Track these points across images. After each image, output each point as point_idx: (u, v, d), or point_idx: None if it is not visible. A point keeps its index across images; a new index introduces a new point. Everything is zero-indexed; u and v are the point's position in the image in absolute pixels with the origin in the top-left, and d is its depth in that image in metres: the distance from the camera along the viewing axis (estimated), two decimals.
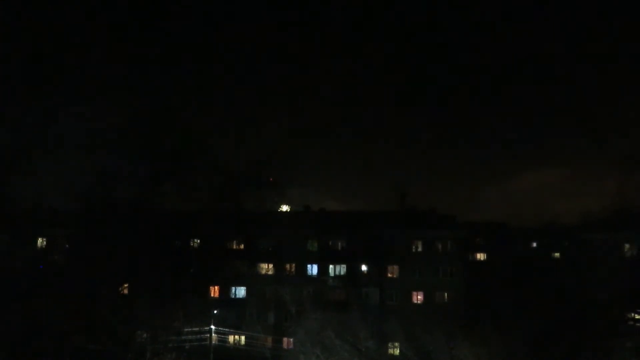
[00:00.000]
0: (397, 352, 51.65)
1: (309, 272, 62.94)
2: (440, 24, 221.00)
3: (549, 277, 51.22)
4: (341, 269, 63.02)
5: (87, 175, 37.40)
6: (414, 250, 62.96)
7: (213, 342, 50.56)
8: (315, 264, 63.02)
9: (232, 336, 57.06)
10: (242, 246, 62.01)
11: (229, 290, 62.38)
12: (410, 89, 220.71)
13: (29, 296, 33.22)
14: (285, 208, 69.89)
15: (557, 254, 68.82)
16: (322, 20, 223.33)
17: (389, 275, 62.29)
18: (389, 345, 53.93)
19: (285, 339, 57.26)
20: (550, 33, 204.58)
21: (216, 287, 60.92)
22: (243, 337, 57.28)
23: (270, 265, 62.49)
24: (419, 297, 61.60)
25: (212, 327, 49.99)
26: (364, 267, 62.98)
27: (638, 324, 47.64)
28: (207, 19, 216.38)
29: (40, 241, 53.63)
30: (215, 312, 53.31)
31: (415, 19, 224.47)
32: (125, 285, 40.79)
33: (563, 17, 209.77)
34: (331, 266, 63.10)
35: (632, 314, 48.05)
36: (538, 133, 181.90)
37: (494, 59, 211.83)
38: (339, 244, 64.11)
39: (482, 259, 75.05)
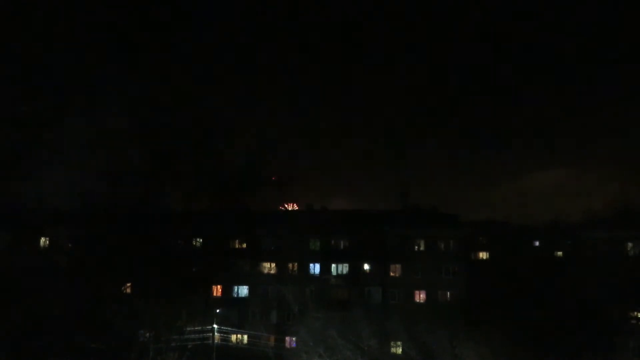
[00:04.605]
0: (399, 351, 51.63)
1: (312, 271, 62.91)
2: (444, 24, 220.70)
3: (551, 276, 51.12)
4: (343, 268, 62.95)
5: (89, 175, 37.39)
6: (416, 249, 62.84)
7: (216, 341, 50.59)
8: (317, 263, 62.98)
9: (235, 335, 57.11)
10: (244, 245, 61.98)
11: (232, 290, 62.43)
12: (414, 88, 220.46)
13: (31, 295, 33.24)
14: (289, 207, 69.93)
15: (560, 253, 68.75)
16: (324, 20, 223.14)
17: (392, 274, 62.19)
18: (392, 344, 53.92)
19: (287, 338, 57.28)
20: (553, 34, 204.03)
21: (219, 287, 61.01)
22: (245, 336, 57.32)
23: (273, 265, 62.48)
24: (421, 296, 61.51)
25: (215, 326, 50.04)
26: (366, 266, 62.91)
27: None
28: (209, 17, 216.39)
29: (42, 241, 53.71)
30: (217, 311, 53.37)
31: (417, 19, 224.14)
32: (128, 284, 40.81)
33: (566, 19, 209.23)
34: (333, 265, 63.05)
35: (635, 313, 47.96)
36: (541, 133, 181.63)
37: (498, 60, 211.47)
38: (341, 243, 64.05)
39: (484, 257, 74.97)
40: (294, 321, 54.47)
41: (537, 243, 72.47)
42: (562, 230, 64.65)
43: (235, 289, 62.79)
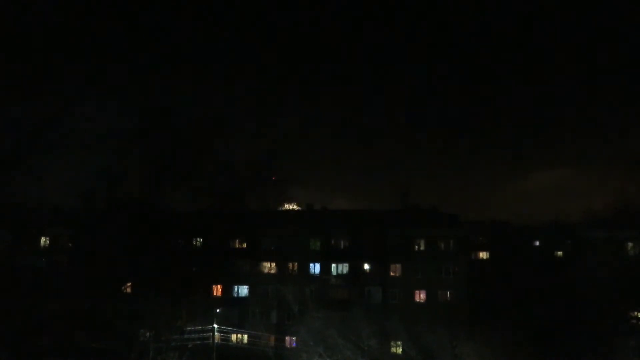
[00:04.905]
0: (399, 350, 51.61)
1: (312, 270, 62.83)
2: (443, 23, 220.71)
3: (551, 276, 51.17)
4: (344, 268, 62.88)
5: (90, 174, 37.44)
6: (416, 249, 62.73)
7: (216, 341, 50.51)
8: (317, 262, 62.89)
9: (235, 335, 57.01)
10: (244, 245, 62.00)
11: (232, 289, 62.37)
12: (414, 87, 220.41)
13: (32, 295, 33.27)
14: (289, 207, 69.85)
15: (560, 253, 68.77)
16: (323, 18, 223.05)
17: (392, 274, 62.11)
18: (392, 343, 53.87)
19: (287, 338, 57.22)
20: (553, 34, 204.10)
21: (219, 286, 60.94)
22: (246, 336, 57.24)
23: (273, 264, 62.39)
24: (421, 295, 61.43)
25: (215, 326, 49.93)
26: (366, 266, 62.86)
27: None
28: (210, 17, 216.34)
29: (43, 240, 53.79)
30: (218, 311, 53.28)
31: (417, 17, 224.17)
32: (128, 284, 40.84)
33: (566, 18, 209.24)
34: (334, 265, 62.97)
35: (635, 313, 47.95)
36: (542, 133, 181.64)
37: (498, 59, 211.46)
38: (342, 242, 63.97)
39: (484, 257, 74.96)
40: (294, 321, 54.44)
41: (537, 243, 72.47)
42: (562, 230, 64.66)
43: (236, 289, 62.73)
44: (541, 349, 40.90)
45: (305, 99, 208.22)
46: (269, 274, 61.80)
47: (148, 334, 38.87)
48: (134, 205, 39.14)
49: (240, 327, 56.17)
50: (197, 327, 45.12)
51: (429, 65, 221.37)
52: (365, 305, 55.42)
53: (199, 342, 46.58)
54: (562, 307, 43.40)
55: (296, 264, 62.56)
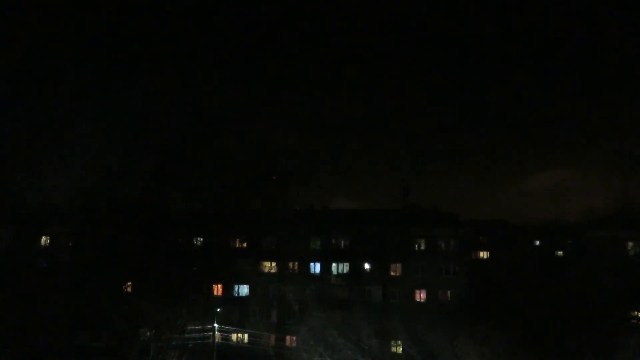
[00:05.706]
0: (399, 350, 51.52)
1: (312, 270, 62.86)
2: (443, 24, 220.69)
3: (552, 276, 51.11)
4: (344, 267, 62.89)
5: (91, 174, 37.55)
6: (416, 248, 62.72)
7: (216, 340, 50.60)
8: (318, 262, 62.91)
9: (235, 334, 57.09)
10: (245, 244, 62.08)
11: (232, 289, 62.43)
12: (414, 87, 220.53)
13: (33, 294, 33.33)
14: (289, 206, 69.93)
15: (560, 252, 68.77)
16: (324, 19, 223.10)
17: (392, 273, 62.11)
18: (392, 343, 53.84)
19: (288, 337, 57.27)
20: (554, 34, 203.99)
21: (219, 286, 61.05)
22: (246, 335, 57.31)
23: (273, 264, 62.46)
24: (421, 295, 61.43)
25: (215, 325, 50.01)
26: (366, 265, 62.85)
27: None
28: (211, 16, 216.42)
29: (44, 239, 53.87)
30: (218, 310, 53.38)
31: (417, 16, 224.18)
32: (129, 283, 40.91)
33: (566, 18, 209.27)
34: (334, 264, 62.99)
35: (636, 312, 47.95)
36: (542, 133, 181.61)
37: (498, 59, 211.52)
38: (342, 242, 63.97)
39: (485, 257, 75.00)
40: (294, 320, 54.40)
41: (537, 243, 72.52)
42: (562, 230, 64.65)
43: (236, 288, 62.78)
44: (541, 349, 40.82)
45: (306, 98, 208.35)
46: (269, 273, 61.87)
47: (148, 333, 38.96)
48: (135, 204, 39.23)
49: (240, 327, 56.23)
50: (197, 327, 45.21)
51: (429, 64, 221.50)
52: (366, 304, 55.36)
53: (199, 341, 46.67)
54: (563, 306, 43.31)
55: (296, 263, 62.61)
